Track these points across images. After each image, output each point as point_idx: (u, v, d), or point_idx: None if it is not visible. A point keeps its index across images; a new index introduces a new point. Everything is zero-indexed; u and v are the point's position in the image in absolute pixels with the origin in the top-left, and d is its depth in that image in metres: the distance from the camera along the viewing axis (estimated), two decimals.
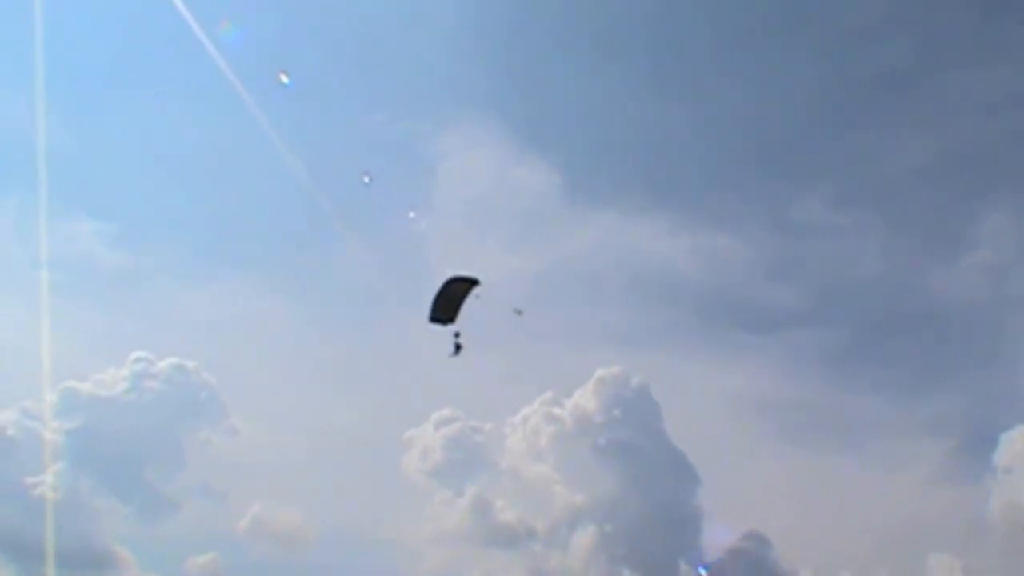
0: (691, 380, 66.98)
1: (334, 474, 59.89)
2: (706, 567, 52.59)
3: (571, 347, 70.84)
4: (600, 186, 79.61)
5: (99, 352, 65.74)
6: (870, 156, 77.69)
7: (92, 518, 54.91)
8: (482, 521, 56.56)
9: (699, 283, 74.59)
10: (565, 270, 75.86)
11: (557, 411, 59.41)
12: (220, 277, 74.02)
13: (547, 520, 56.32)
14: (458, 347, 27.82)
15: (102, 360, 59.26)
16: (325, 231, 73.06)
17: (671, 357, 69.32)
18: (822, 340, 71.74)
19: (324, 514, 56.85)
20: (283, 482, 60.06)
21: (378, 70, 77.44)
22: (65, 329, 65.20)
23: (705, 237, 75.69)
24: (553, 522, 56.26)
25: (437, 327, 27.45)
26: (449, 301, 27.29)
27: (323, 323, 71.31)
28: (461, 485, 57.52)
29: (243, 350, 65.96)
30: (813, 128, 79.71)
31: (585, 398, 59.42)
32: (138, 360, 56.61)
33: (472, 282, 27.17)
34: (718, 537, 55.27)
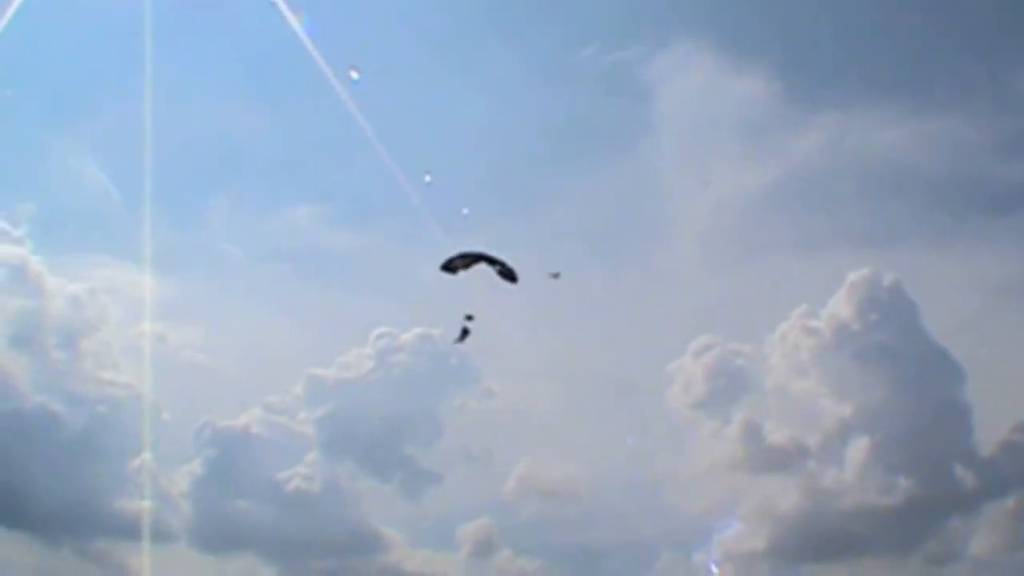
0: (942, 271, 63.50)
1: (598, 421, 57.51)
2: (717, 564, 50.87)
3: (817, 255, 67.02)
4: (818, 86, 73.45)
5: (339, 335, 60.83)
6: None
7: (353, 503, 53.12)
8: (753, 446, 55.07)
9: (933, 170, 69.65)
10: (797, 177, 70.26)
11: (814, 323, 56.67)
12: (447, 240, 68.11)
13: (818, 436, 55.00)
14: (465, 332, 27.00)
15: (343, 343, 54.76)
16: (548, 175, 69.80)
17: (918, 250, 65.63)
18: None
19: (592, 463, 55.15)
20: (547, 436, 57.85)
21: (578, 3, 70.71)
22: (300, 318, 60.37)
23: (931, 122, 69.73)
24: (824, 437, 54.99)
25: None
26: (464, 259, 25.97)
27: (561, 268, 65.87)
28: (728, 412, 55.64)
29: (486, 309, 60.85)
30: None
31: (839, 306, 56.49)
32: (380, 336, 52.13)
33: (492, 262, 25.77)
34: (989, 432, 54.37)
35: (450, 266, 25.69)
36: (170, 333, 62.42)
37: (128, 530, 56.43)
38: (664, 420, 57.57)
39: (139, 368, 57.65)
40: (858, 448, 53.69)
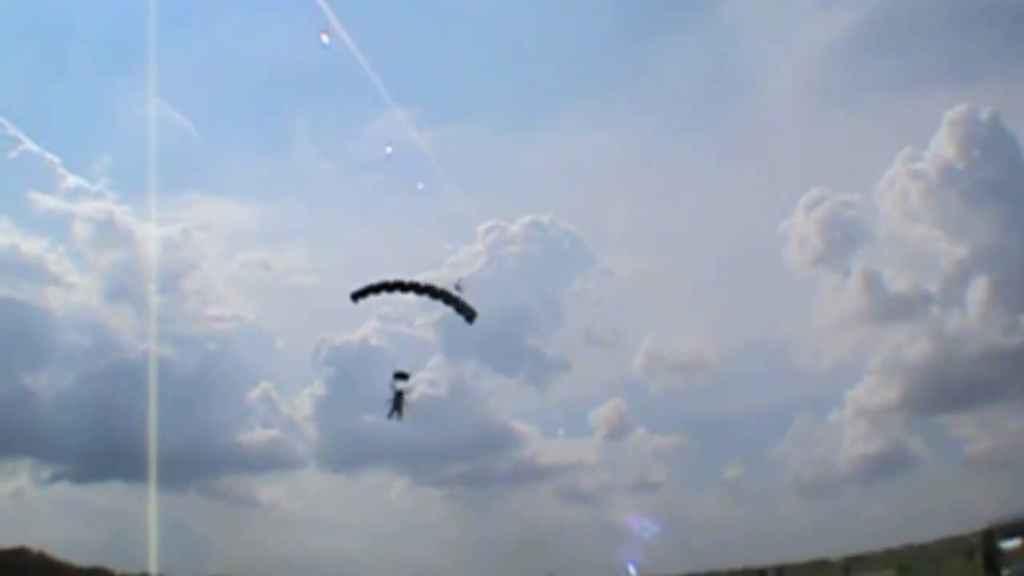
0: None
1: (717, 289, 56.88)
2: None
3: (911, 95, 66.05)
4: None
5: (445, 235, 60.24)
6: None
7: (481, 402, 52.40)
8: (875, 296, 54.13)
9: None
10: (879, 17, 68.21)
11: (919, 166, 55.53)
12: (541, 124, 67.92)
13: (938, 281, 54.03)
14: (396, 406, 22.09)
15: (451, 242, 53.84)
16: (628, 49, 70.23)
17: (1011, 80, 63.52)
18: None
19: (717, 332, 54.62)
20: (668, 310, 57.26)
21: None
22: (403, 224, 59.32)
23: None
24: (944, 281, 53.95)
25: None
26: (376, 288, 22.03)
27: (656, 140, 65.19)
28: (846, 265, 54.70)
29: (591, 189, 60.31)
30: None
31: (942, 145, 55.17)
32: (489, 230, 51.09)
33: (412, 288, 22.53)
34: None
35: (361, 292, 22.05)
36: (273, 259, 61.83)
37: (253, 463, 55.70)
38: (783, 280, 56.93)
39: (245, 299, 56.93)
40: (978, 289, 52.61)
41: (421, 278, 53.51)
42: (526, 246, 51.24)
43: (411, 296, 54.72)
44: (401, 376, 21.93)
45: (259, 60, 65.69)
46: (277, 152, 69.43)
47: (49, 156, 59.17)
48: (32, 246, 67.39)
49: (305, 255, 62.78)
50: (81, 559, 61.42)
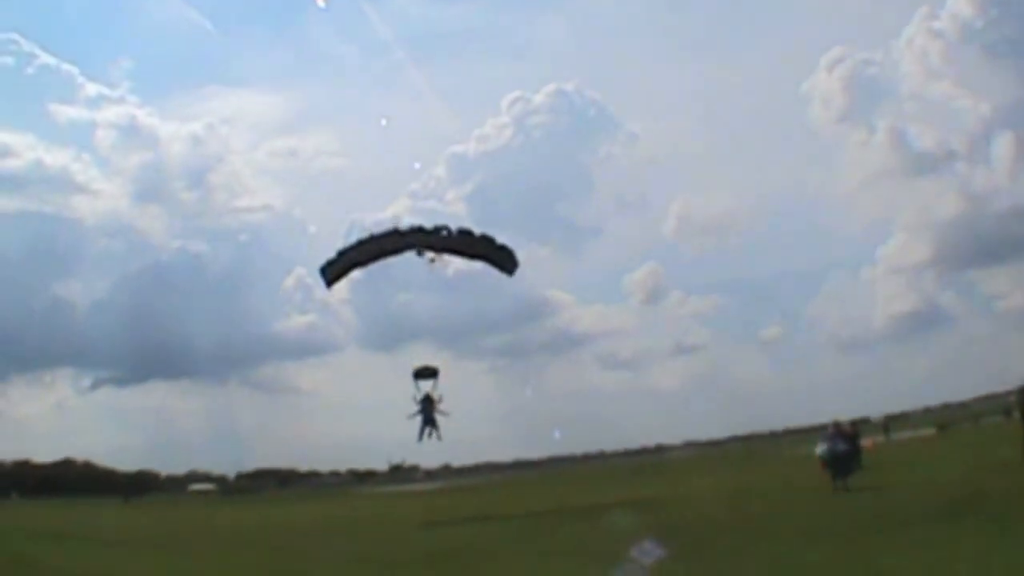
0: None
1: (743, 150, 57.35)
2: None
3: None
4: None
5: (470, 110, 61.42)
6: None
7: (516, 273, 52.75)
8: (901, 153, 54.84)
9: None
10: None
11: (937, 24, 55.92)
12: None
13: (963, 137, 54.53)
14: (428, 419, 18.30)
15: (477, 116, 54.38)
16: None
17: None
18: None
19: (747, 192, 55.02)
20: (697, 173, 57.53)
21: None
22: (427, 101, 59.72)
23: None
24: (969, 138, 54.55)
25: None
26: (351, 262, 17.73)
27: (675, 2, 65.03)
28: (870, 121, 55.20)
29: (614, 55, 60.11)
30: None
31: (958, 5, 55.52)
32: (514, 101, 51.40)
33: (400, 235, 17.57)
34: None
35: (341, 275, 18.28)
36: (299, 145, 62.52)
37: (292, 350, 55.96)
38: (809, 138, 57.51)
39: (274, 188, 57.20)
40: (1003, 144, 53.08)
41: (447, 154, 54.41)
42: (551, 116, 51.42)
43: (441, 171, 55.95)
44: (426, 373, 17.25)
45: None
46: (294, 39, 69.82)
47: (67, 67, 59.23)
48: (56, 158, 66.65)
49: (332, 138, 63.41)
50: (126, 464, 62.31)
